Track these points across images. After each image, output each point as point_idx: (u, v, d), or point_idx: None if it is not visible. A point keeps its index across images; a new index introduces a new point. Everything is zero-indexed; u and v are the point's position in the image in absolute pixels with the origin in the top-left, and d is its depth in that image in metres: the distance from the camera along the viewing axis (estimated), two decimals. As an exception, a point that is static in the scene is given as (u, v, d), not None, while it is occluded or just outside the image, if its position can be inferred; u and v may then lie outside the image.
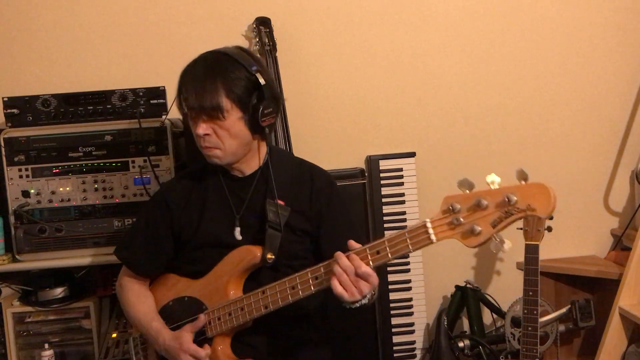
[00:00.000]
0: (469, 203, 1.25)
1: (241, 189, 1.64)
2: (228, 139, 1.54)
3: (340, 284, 1.37)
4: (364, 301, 1.42)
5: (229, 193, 1.64)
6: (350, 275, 1.37)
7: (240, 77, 1.52)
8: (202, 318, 1.55)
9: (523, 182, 1.21)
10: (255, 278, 1.60)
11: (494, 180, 1.25)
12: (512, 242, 2.68)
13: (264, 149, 1.66)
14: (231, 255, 1.59)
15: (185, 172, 1.78)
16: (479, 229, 1.23)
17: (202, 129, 1.52)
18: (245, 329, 1.58)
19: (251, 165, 1.65)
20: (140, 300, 1.70)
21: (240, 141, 1.57)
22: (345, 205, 1.75)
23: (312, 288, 1.45)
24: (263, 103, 1.53)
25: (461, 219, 1.26)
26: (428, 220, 1.31)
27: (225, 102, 1.50)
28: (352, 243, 1.41)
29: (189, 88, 1.51)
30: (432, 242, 1.31)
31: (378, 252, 1.38)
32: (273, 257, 1.55)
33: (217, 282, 1.59)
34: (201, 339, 1.58)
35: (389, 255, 1.37)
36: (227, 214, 1.63)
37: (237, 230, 1.62)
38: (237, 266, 1.58)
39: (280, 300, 1.48)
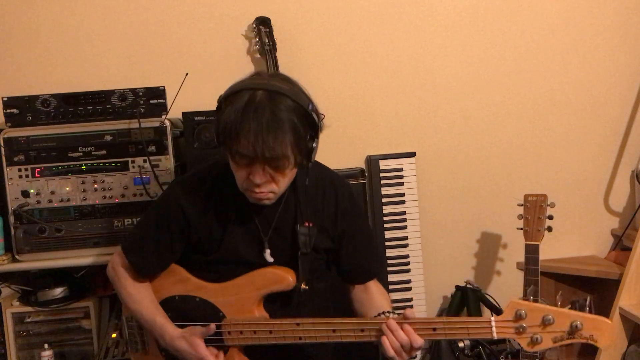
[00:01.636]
0: (535, 315, 1.36)
1: (267, 210, 1.59)
2: (285, 183, 1.48)
3: (395, 353, 1.41)
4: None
5: (255, 212, 1.59)
6: (405, 348, 1.41)
7: (302, 119, 1.42)
8: (214, 328, 1.53)
9: (587, 310, 1.40)
10: (273, 294, 1.58)
11: (562, 297, 1.49)
12: (513, 242, 2.69)
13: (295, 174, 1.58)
14: (260, 274, 1.57)
15: (200, 179, 1.66)
16: (540, 338, 1.36)
17: (261, 177, 1.43)
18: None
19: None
20: (140, 291, 1.66)
21: (291, 180, 1.52)
22: (365, 219, 1.76)
23: (356, 338, 1.47)
24: (315, 141, 1.47)
25: (527, 328, 1.37)
26: (493, 319, 1.40)
27: (294, 152, 1.41)
28: (408, 313, 1.43)
29: (253, 135, 1.36)
30: (492, 337, 1.41)
31: (434, 330, 1.42)
32: (307, 287, 1.55)
33: (238, 294, 1.58)
34: (215, 345, 1.57)
35: (445, 336, 1.43)
36: (253, 234, 1.59)
37: (268, 252, 1.58)
38: (267, 288, 1.56)
39: (317, 338, 1.49)
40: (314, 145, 1.46)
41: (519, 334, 1.37)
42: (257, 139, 1.35)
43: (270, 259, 1.59)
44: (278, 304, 1.59)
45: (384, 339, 1.41)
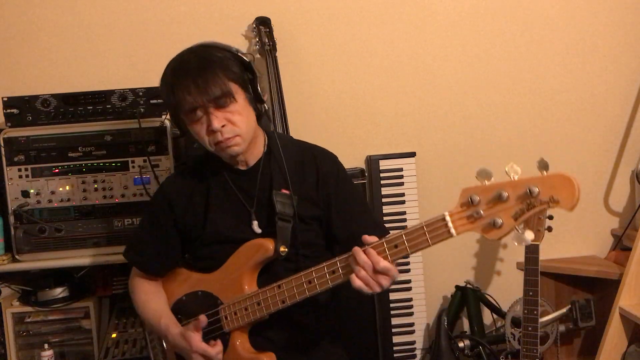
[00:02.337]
0: (488, 195, 1.22)
1: (247, 182, 1.62)
2: (243, 122, 1.52)
3: (360, 279, 1.37)
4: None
5: (236, 188, 1.62)
6: (369, 271, 1.36)
7: (232, 58, 1.52)
8: (203, 318, 1.54)
9: (544, 173, 1.18)
10: (269, 270, 1.59)
11: (513, 170, 1.23)
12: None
13: (262, 135, 1.66)
14: (243, 249, 1.58)
15: (183, 168, 1.75)
16: (500, 221, 1.21)
17: (218, 120, 1.48)
18: (261, 323, 1.58)
19: (254, 153, 1.63)
20: (150, 297, 1.69)
21: (251, 122, 1.56)
22: (353, 185, 1.73)
23: (330, 282, 1.44)
24: (256, 78, 1.55)
25: (481, 212, 1.23)
26: (446, 213, 1.28)
27: (232, 85, 1.49)
28: (367, 238, 1.40)
29: (189, 85, 1.46)
30: (451, 236, 1.29)
31: (396, 246, 1.37)
32: (286, 249, 1.54)
33: (230, 276, 1.59)
34: (218, 333, 1.58)
35: (408, 249, 1.36)
36: (237, 209, 1.62)
37: (255, 223, 1.60)
38: (250, 260, 1.57)
39: (297, 295, 1.48)
40: (255, 80, 1.55)
41: (473, 221, 1.23)
42: (189, 85, 1.46)
43: (257, 230, 1.60)
44: (271, 278, 1.57)
45: (350, 272, 1.38)
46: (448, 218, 1.28)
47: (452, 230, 1.28)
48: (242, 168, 1.63)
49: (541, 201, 1.16)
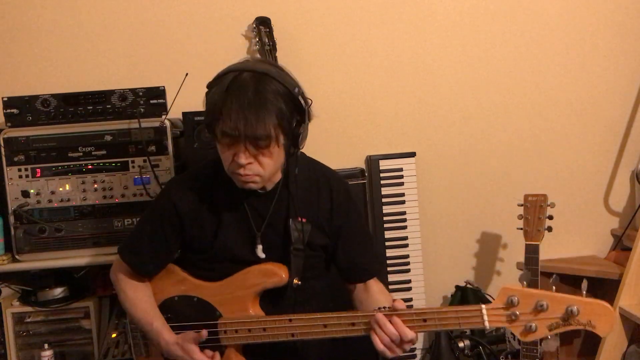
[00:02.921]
0: (528, 302, 1.29)
1: (261, 204, 1.59)
2: (270, 166, 1.47)
3: (384, 345, 1.38)
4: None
5: (248, 208, 1.59)
6: (396, 342, 1.37)
7: (289, 100, 1.43)
8: (205, 334, 1.53)
9: (584, 294, 1.26)
10: (268, 291, 1.58)
11: (554, 281, 1.34)
12: (513, 242, 2.69)
13: (283, 159, 1.58)
14: (254, 271, 1.57)
15: (194, 177, 1.68)
16: (535, 327, 1.28)
17: (245, 158, 1.43)
18: None
19: (272, 180, 1.58)
20: (138, 294, 1.67)
21: (278, 167, 1.52)
22: (361, 213, 1.74)
23: (347, 332, 1.44)
24: (302, 127, 1.48)
25: (519, 315, 1.29)
26: (484, 307, 1.33)
27: (277, 131, 1.42)
28: (398, 304, 1.39)
29: (237, 114, 1.38)
30: (484, 327, 1.34)
31: (425, 320, 1.37)
32: (299, 282, 1.54)
33: (234, 293, 1.58)
34: (214, 345, 1.57)
35: (436, 326, 1.37)
36: (246, 231, 1.59)
37: (259, 248, 1.58)
38: (260, 284, 1.56)
39: (309, 334, 1.47)
40: (300, 130, 1.47)
41: (511, 322, 1.29)
42: (239, 116, 1.38)
43: (261, 255, 1.58)
44: (274, 303, 1.59)
45: (373, 333, 1.38)
46: (485, 312, 1.33)
47: (487, 324, 1.33)
48: (259, 191, 1.59)
49: (579, 322, 1.24)
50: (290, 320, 1.48)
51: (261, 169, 1.47)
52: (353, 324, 1.43)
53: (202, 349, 1.55)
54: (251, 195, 1.58)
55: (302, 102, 1.47)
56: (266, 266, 1.58)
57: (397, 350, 1.38)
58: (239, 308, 1.56)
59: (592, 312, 1.22)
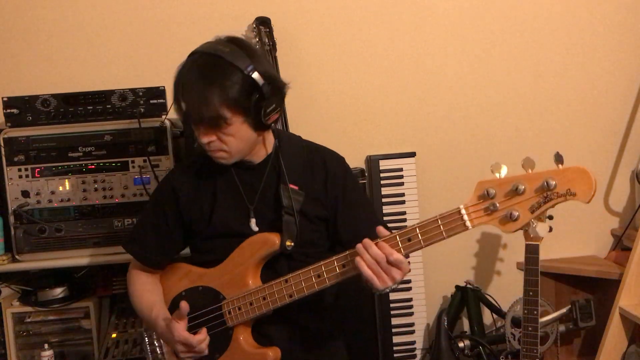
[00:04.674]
0: (505, 188, 1.23)
1: (253, 177, 1.62)
2: (233, 142, 1.50)
3: (372, 271, 1.36)
4: (393, 286, 1.40)
5: (240, 182, 1.61)
6: (382, 263, 1.35)
7: (237, 81, 1.44)
8: (184, 305, 1.52)
9: (560, 166, 1.20)
10: (271, 267, 1.58)
11: (529, 163, 1.23)
12: (513, 242, 2.69)
13: (270, 137, 1.63)
14: (247, 244, 1.57)
15: (191, 160, 1.72)
16: (516, 214, 1.22)
17: (206, 137, 1.49)
18: (264, 321, 1.57)
19: (259, 155, 1.62)
20: (145, 289, 1.69)
21: (246, 142, 1.54)
22: (360, 187, 1.73)
23: (340, 276, 1.43)
24: (264, 102, 1.48)
25: (498, 205, 1.23)
26: (462, 206, 1.28)
27: (225, 111, 1.44)
28: (381, 230, 1.39)
29: (185, 98, 1.46)
30: (467, 229, 1.29)
31: (409, 239, 1.36)
32: (292, 244, 1.54)
33: (233, 271, 1.58)
34: (221, 328, 1.58)
35: (422, 242, 1.35)
36: (240, 204, 1.61)
37: (253, 221, 1.59)
38: (255, 255, 1.56)
39: (305, 289, 1.47)
40: (262, 105, 1.47)
41: (490, 214, 1.24)
42: (185, 100, 1.46)
43: (255, 228, 1.59)
44: (274, 273, 1.57)
45: (358, 259, 1.37)
46: (464, 211, 1.28)
47: (468, 223, 1.28)
48: (249, 164, 1.62)
49: (558, 194, 1.17)
50: (286, 281, 1.49)
51: (224, 145, 1.51)
52: (344, 266, 1.43)
53: (210, 336, 1.55)
54: (243, 170, 1.62)
55: (259, 80, 1.45)
56: (258, 235, 1.58)
57: (384, 276, 1.36)
58: (239, 285, 1.56)
59: (569, 180, 1.18)
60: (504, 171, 1.26)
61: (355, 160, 2.51)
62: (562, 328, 2.25)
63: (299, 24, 2.48)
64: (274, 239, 1.55)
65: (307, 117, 2.50)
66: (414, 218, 2.44)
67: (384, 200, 2.43)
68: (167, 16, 2.46)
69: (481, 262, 2.60)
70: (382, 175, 2.45)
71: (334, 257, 1.44)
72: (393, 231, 1.39)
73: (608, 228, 2.61)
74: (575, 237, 2.60)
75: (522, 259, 2.10)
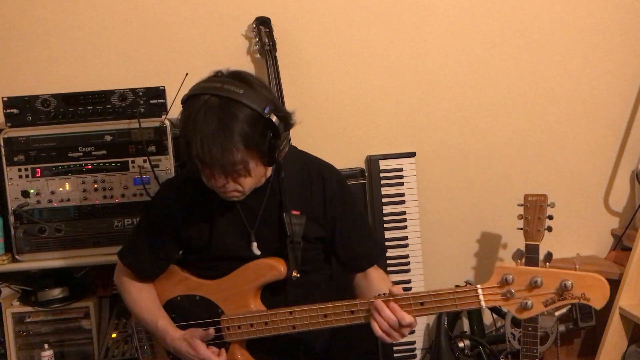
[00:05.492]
0: (523, 279, 1.30)
1: (252, 201, 1.59)
2: (248, 183, 1.48)
3: (382, 331, 1.39)
4: None
5: (240, 206, 1.59)
6: (394, 326, 1.38)
7: (256, 125, 1.39)
8: (212, 333, 1.55)
9: (577, 268, 1.28)
10: (269, 286, 1.59)
11: (547, 257, 1.37)
12: (513, 242, 2.68)
13: (265, 170, 1.56)
14: (252, 266, 1.58)
15: (185, 178, 1.69)
16: (530, 304, 1.29)
17: (219, 182, 1.44)
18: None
19: (261, 181, 1.58)
20: (143, 295, 1.68)
21: (259, 179, 1.52)
22: (357, 204, 1.73)
23: (347, 321, 1.45)
24: (279, 141, 1.44)
25: (514, 293, 1.31)
26: (479, 286, 1.34)
27: (246, 157, 1.40)
28: (394, 289, 1.40)
29: (203, 146, 1.36)
30: (480, 307, 1.35)
31: (422, 304, 1.38)
32: (298, 275, 1.55)
33: (234, 289, 1.59)
34: (217, 342, 1.58)
35: (434, 309, 1.38)
36: (240, 228, 1.60)
37: (255, 245, 1.59)
38: (260, 279, 1.57)
39: (310, 325, 1.48)
40: (277, 143, 1.44)
41: (506, 300, 1.31)
42: (204, 148, 1.36)
43: (257, 252, 1.59)
44: (276, 297, 1.59)
45: (372, 320, 1.40)
46: (480, 292, 1.34)
47: (483, 303, 1.34)
48: None
49: (573, 295, 1.26)
50: (290, 312, 1.50)
51: (239, 186, 1.47)
52: (352, 312, 1.44)
53: (207, 345, 1.56)
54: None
55: (275, 118, 1.42)
56: (264, 261, 1.58)
57: (395, 335, 1.39)
58: (240, 304, 1.57)
59: (586, 285, 1.25)
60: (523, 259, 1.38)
61: (355, 160, 2.51)
62: (562, 328, 2.25)
63: (299, 24, 2.48)
64: (280, 268, 1.56)
65: (307, 117, 2.49)
66: (414, 218, 2.44)
67: (384, 200, 2.43)
68: (167, 16, 2.46)
69: (481, 262, 2.60)
70: (382, 175, 2.45)
71: (343, 303, 1.46)
72: (407, 292, 1.41)
73: (608, 228, 2.61)
74: (575, 237, 2.59)
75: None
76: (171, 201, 1.64)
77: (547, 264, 1.31)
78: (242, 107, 1.38)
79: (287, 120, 1.49)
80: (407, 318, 1.37)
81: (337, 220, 1.63)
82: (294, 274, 1.55)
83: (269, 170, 1.59)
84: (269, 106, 1.41)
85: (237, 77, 1.44)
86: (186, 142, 1.41)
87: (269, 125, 1.41)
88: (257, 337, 1.55)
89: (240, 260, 1.59)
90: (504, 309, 2.31)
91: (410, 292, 1.41)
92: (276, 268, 1.56)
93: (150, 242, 1.66)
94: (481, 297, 1.33)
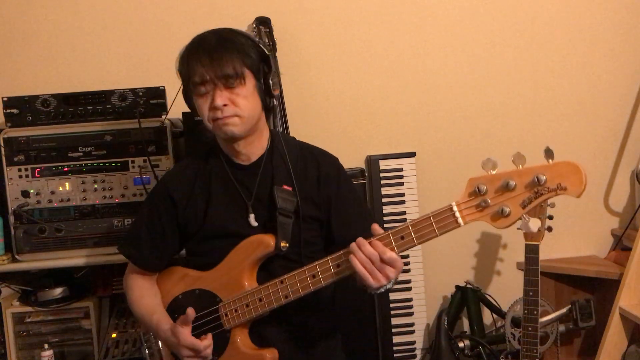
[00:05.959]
0: (496, 184, 1.24)
1: (247, 177, 1.62)
2: (247, 105, 1.52)
3: (366, 270, 1.36)
4: (389, 285, 1.41)
5: (236, 181, 1.62)
6: (376, 262, 1.36)
7: (252, 47, 1.54)
8: (191, 311, 1.53)
9: (550, 161, 1.20)
10: (267, 268, 1.59)
11: (519, 158, 1.24)
12: (513, 242, 2.69)
13: (266, 132, 1.65)
14: (242, 246, 1.58)
15: (186, 162, 1.73)
16: (508, 210, 1.22)
17: (221, 99, 1.49)
18: (261, 322, 1.58)
19: (257, 149, 1.62)
20: (144, 293, 1.68)
21: (255, 110, 1.56)
22: (354, 188, 1.73)
23: (334, 276, 1.44)
24: (270, 72, 1.56)
25: (489, 201, 1.25)
26: (454, 203, 1.29)
27: (244, 69, 1.50)
28: (376, 228, 1.40)
29: (204, 59, 1.49)
30: (459, 225, 1.30)
31: (402, 238, 1.36)
32: (287, 245, 1.54)
33: (229, 273, 1.58)
34: (219, 331, 1.58)
35: (415, 240, 1.35)
36: (236, 203, 1.61)
37: (252, 216, 1.59)
38: (250, 256, 1.56)
39: (300, 290, 1.47)
40: (269, 78, 1.56)
41: (482, 210, 1.25)
42: (205, 60, 1.49)
43: (254, 223, 1.59)
44: (267, 273, 1.57)
45: (352, 257, 1.38)
46: (455, 208, 1.29)
47: (460, 220, 1.29)
48: (244, 163, 1.63)
49: (549, 188, 1.18)
50: (281, 282, 1.49)
51: (238, 108, 1.52)
52: (338, 265, 1.43)
53: (201, 334, 1.55)
54: (237, 169, 1.63)
55: (265, 50, 1.57)
56: (252, 237, 1.58)
57: (378, 274, 1.36)
58: (235, 287, 1.56)
59: (559, 174, 1.19)
60: (495, 167, 1.28)
61: (355, 160, 2.51)
62: (562, 328, 2.25)
63: (299, 24, 2.48)
64: (269, 240, 1.55)
65: (307, 117, 2.50)
66: (414, 218, 2.43)
67: (384, 200, 2.43)
68: (167, 16, 2.46)
69: (481, 262, 2.60)
70: (382, 175, 2.45)
71: (328, 257, 1.45)
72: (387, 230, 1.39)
73: (608, 228, 2.61)
74: (575, 237, 2.60)
75: (522, 259, 2.10)
76: (171, 186, 1.66)
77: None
78: (237, 34, 1.55)
79: (273, 56, 1.68)
80: (389, 252, 1.35)
81: (332, 200, 1.63)
82: (283, 243, 1.53)
83: (264, 141, 1.63)
84: (259, 40, 1.58)
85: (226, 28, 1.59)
86: (185, 70, 1.54)
87: (262, 54, 1.56)
88: (254, 316, 1.53)
89: (235, 237, 1.59)
90: (504, 310, 2.31)
91: (389, 230, 1.37)
92: (264, 241, 1.55)
93: (150, 230, 1.67)
94: (457, 214, 1.28)
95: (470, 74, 2.54)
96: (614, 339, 2.19)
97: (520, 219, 1.25)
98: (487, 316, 2.50)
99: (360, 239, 1.38)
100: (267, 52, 1.57)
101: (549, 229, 2.10)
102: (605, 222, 2.61)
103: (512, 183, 1.22)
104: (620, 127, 2.58)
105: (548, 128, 2.57)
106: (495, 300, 2.43)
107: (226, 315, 1.57)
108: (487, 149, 2.56)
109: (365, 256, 1.36)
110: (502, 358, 2.23)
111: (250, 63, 1.52)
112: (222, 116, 1.51)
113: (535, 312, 2.03)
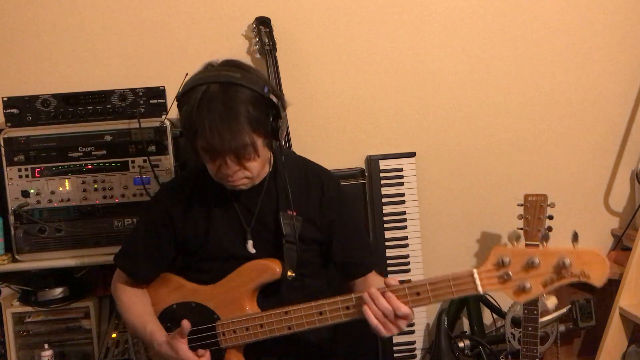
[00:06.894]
0: (520, 260, 1.26)
1: (248, 199, 1.60)
2: (257, 167, 1.49)
3: (378, 322, 1.36)
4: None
5: (236, 203, 1.60)
6: (389, 316, 1.35)
7: (258, 105, 1.42)
8: (186, 324, 1.49)
9: (576, 245, 1.24)
10: (269, 287, 1.58)
11: (545, 237, 1.36)
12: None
13: (269, 155, 1.61)
14: (247, 268, 1.57)
15: (184, 177, 1.71)
16: (529, 286, 1.25)
17: (230, 169, 1.45)
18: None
19: (262, 175, 1.58)
20: (134, 301, 1.67)
21: (265, 164, 1.53)
22: (354, 211, 1.74)
23: (343, 317, 1.42)
24: (280, 121, 1.48)
25: (511, 275, 1.26)
26: (475, 270, 1.30)
27: (254, 137, 1.43)
28: (390, 281, 1.38)
29: (212, 132, 1.38)
30: (478, 292, 1.31)
31: (418, 294, 1.35)
32: (293, 274, 1.54)
33: (229, 293, 1.57)
34: (213, 348, 1.56)
35: (430, 299, 1.35)
36: (236, 226, 1.60)
37: (250, 243, 1.58)
38: (254, 281, 1.55)
39: (306, 324, 1.46)
40: (278, 124, 1.47)
41: (503, 282, 1.26)
42: (213, 134, 1.38)
43: (252, 250, 1.58)
44: (272, 300, 1.57)
45: (365, 308, 1.36)
46: (476, 275, 1.30)
47: (480, 288, 1.30)
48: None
49: (572, 273, 1.21)
50: (285, 312, 1.47)
51: (248, 172, 1.48)
52: (348, 308, 1.42)
53: (195, 348, 1.54)
54: (239, 191, 1.59)
55: (274, 98, 1.46)
56: (259, 262, 1.57)
57: (391, 326, 1.36)
58: (236, 308, 1.56)
59: (584, 262, 1.21)
60: (519, 239, 1.32)
61: (355, 160, 2.51)
62: (562, 328, 2.25)
63: (299, 24, 2.48)
64: (275, 267, 1.54)
65: (307, 117, 2.50)
66: (414, 218, 2.44)
67: (384, 200, 2.43)
68: (167, 16, 2.46)
69: (481, 262, 2.59)
70: (382, 175, 2.45)
71: (338, 298, 1.43)
72: (402, 283, 1.38)
73: (608, 228, 2.61)
74: (575, 237, 2.59)
75: (522, 259, 2.10)
76: (168, 202, 1.64)
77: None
78: (243, 89, 1.40)
79: (283, 100, 1.52)
80: (403, 308, 1.34)
81: (334, 224, 1.64)
82: (289, 273, 1.53)
83: (266, 168, 1.59)
84: (267, 86, 1.44)
85: (230, 63, 1.48)
86: (191, 134, 1.42)
87: (270, 104, 1.45)
88: (253, 340, 1.52)
89: (236, 260, 1.58)
90: (504, 310, 2.31)
91: (405, 283, 1.37)
92: (271, 268, 1.54)
93: (146, 245, 1.65)
94: (478, 282, 1.29)
95: (470, 74, 2.54)
96: (614, 339, 2.19)
97: (540, 295, 1.27)
98: (487, 316, 2.50)
99: (374, 291, 1.36)
100: (275, 99, 1.46)
101: (549, 228, 2.10)
102: (605, 222, 2.61)
103: (537, 261, 1.24)
104: (620, 127, 2.58)
105: (548, 128, 2.57)
106: (495, 300, 2.43)
107: (223, 334, 1.56)
108: (487, 149, 2.56)
109: (379, 310, 1.35)
110: (502, 358, 2.23)
111: (259, 126, 1.43)
112: (231, 180, 1.49)
113: (535, 312, 2.03)
